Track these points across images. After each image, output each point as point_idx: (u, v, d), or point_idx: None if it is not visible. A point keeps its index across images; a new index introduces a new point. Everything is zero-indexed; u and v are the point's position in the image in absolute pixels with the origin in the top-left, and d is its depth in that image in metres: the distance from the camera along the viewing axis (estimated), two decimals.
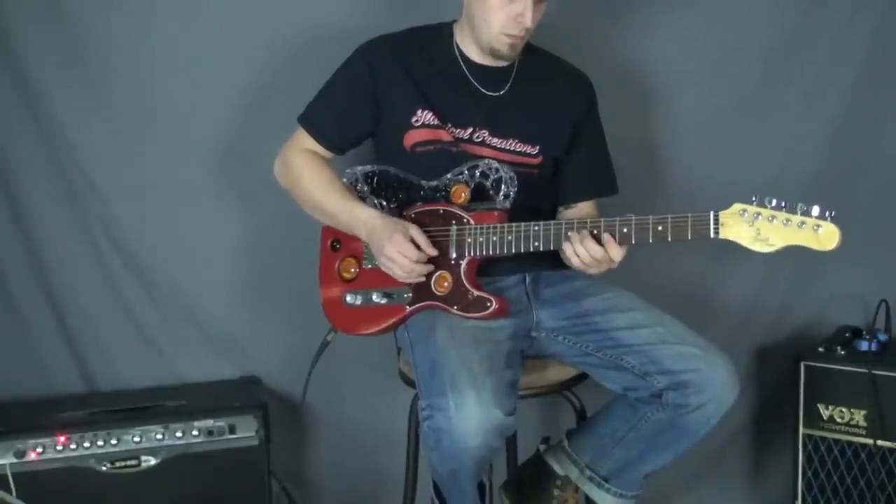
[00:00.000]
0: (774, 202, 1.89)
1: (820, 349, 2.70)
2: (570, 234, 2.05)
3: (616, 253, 2.02)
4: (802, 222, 1.88)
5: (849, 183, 2.82)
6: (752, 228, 1.91)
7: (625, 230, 2.01)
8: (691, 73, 2.77)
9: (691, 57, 2.76)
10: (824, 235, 1.87)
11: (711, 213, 1.93)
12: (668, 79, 2.77)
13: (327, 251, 2.32)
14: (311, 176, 2.27)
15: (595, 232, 2.03)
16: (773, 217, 1.89)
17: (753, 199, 1.90)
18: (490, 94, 2.27)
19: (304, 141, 2.31)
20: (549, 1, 2.15)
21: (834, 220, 1.86)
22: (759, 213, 1.90)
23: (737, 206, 1.92)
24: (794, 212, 1.88)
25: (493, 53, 2.21)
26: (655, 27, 2.74)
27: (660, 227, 1.98)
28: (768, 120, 2.82)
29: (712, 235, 1.94)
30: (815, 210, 1.87)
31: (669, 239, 1.97)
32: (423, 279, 2.15)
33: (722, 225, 1.93)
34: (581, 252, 2.04)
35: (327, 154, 2.32)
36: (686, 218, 1.96)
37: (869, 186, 2.85)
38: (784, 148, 2.81)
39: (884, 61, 2.78)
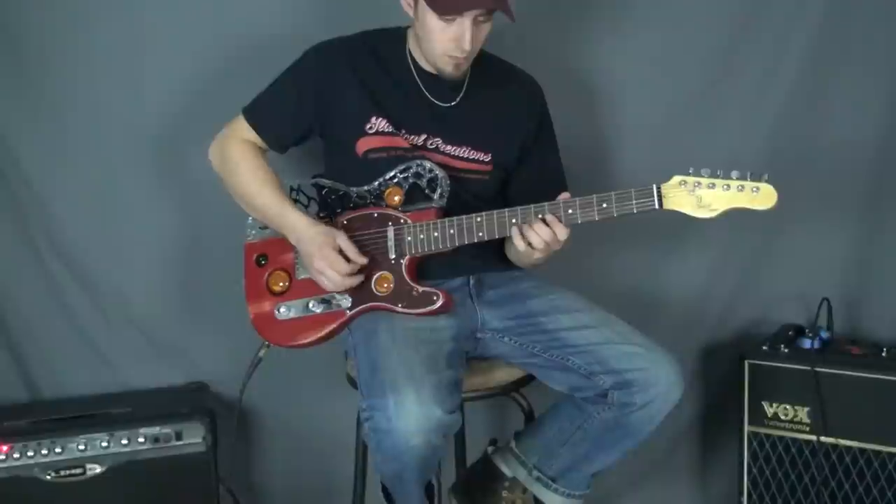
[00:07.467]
0: (710, 171, 1.98)
1: (764, 347, 2.72)
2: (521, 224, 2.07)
3: (561, 231, 2.06)
4: (741, 186, 1.98)
5: (791, 184, 2.81)
6: (694, 197, 1.99)
7: (570, 211, 2.04)
8: (636, 74, 2.78)
9: (636, 58, 2.77)
10: (763, 196, 1.97)
11: (654, 186, 2.00)
12: (613, 80, 2.79)
13: (252, 267, 2.29)
14: (247, 167, 2.25)
15: (541, 216, 2.06)
16: (713, 184, 1.99)
17: (690, 170, 1.99)
18: (442, 104, 2.27)
19: (244, 131, 2.28)
20: (493, 20, 2.14)
21: (769, 181, 1.96)
22: (698, 182, 1.99)
23: (676, 178, 2.00)
24: (730, 177, 1.98)
25: (440, 72, 2.22)
26: (600, 30, 2.75)
27: (605, 205, 2.03)
28: (712, 121, 2.83)
29: (656, 207, 2.00)
30: (749, 175, 1.97)
31: (615, 214, 2.02)
32: (358, 285, 2.15)
33: (664, 196, 2.00)
34: (533, 238, 2.06)
35: (265, 147, 2.30)
36: (629, 192, 2.01)
37: (811, 188, 2.86)
38: (728, 149, 2.82)
39: (828, 57, 2.79)
